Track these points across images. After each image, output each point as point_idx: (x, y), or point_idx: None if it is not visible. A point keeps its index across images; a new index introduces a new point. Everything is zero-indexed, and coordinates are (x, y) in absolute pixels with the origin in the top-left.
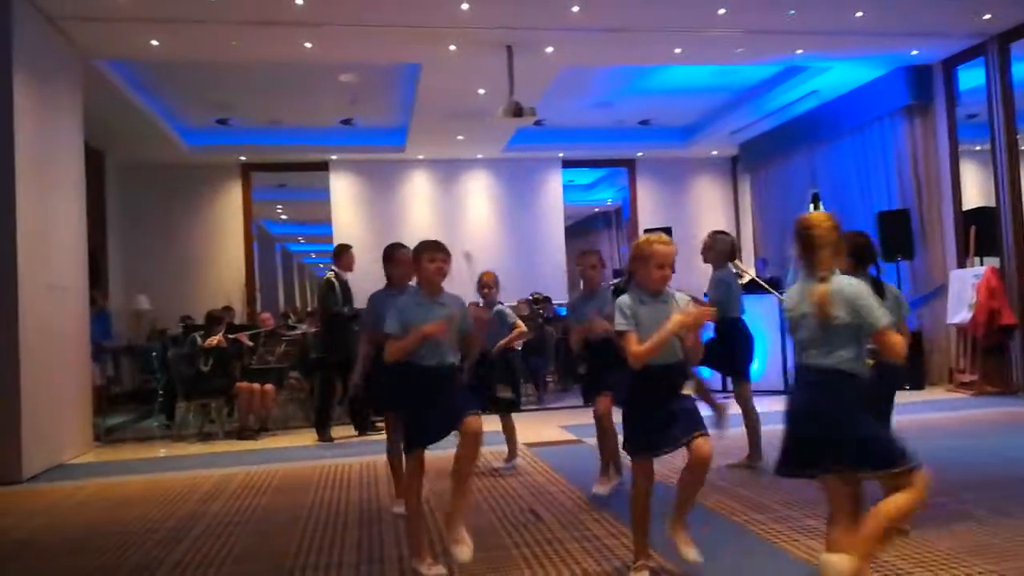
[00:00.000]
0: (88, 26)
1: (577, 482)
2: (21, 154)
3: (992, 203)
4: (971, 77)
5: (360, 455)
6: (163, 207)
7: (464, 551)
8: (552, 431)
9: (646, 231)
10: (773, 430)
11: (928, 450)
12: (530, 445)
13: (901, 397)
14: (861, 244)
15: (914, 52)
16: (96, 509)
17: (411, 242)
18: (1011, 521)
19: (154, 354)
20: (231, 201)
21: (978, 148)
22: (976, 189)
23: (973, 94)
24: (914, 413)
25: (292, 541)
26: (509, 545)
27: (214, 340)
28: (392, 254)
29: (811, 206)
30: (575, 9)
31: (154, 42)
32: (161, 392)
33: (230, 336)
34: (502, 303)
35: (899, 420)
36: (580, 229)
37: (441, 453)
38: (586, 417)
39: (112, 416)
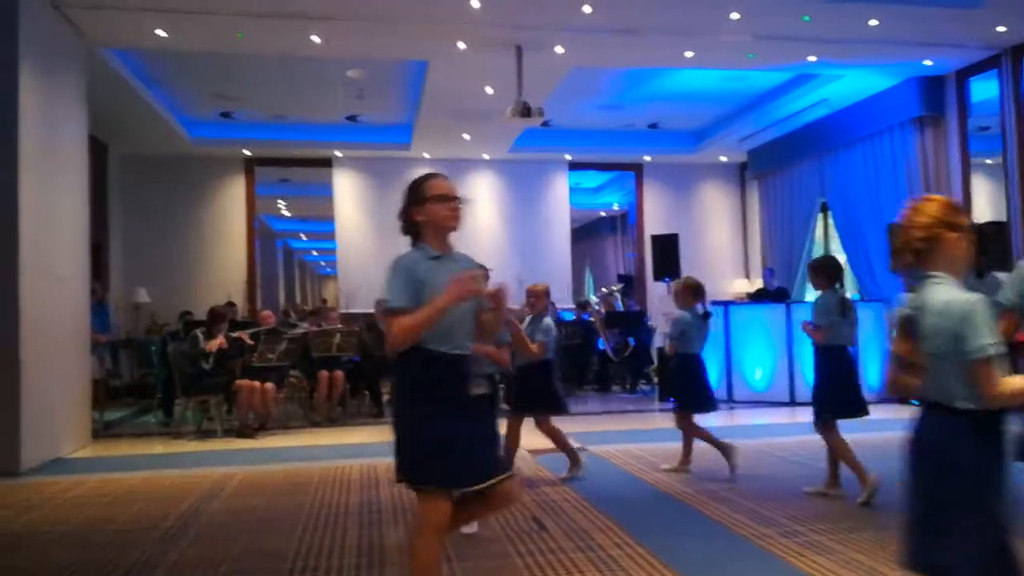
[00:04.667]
0: (95, 14)
1: (582, 491)
2: (25, 143)
3: (1003, 217)
4: (984, 89)
5: (360, 457)
6: (166, 200)
7: None
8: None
9: (653, 237)
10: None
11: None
12: (534, 452)
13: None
14: None
15: (927, 62)
16: (95, 504)
17: None
18: None
19: (153, 348)
20: (234, 195)
21: (989, 161)
22: (987, 203)
23: (986, 106)
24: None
25: (291, 542)
26: (512, 554)
27: (215, 344)
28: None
29: (819, 215)
30: (586, 9)
31: (160, 32)
32: (160, 389)
33: (232, 335)
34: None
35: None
36: (585, 233)
37: None
38: (591, 424)
39: (110, 411)
